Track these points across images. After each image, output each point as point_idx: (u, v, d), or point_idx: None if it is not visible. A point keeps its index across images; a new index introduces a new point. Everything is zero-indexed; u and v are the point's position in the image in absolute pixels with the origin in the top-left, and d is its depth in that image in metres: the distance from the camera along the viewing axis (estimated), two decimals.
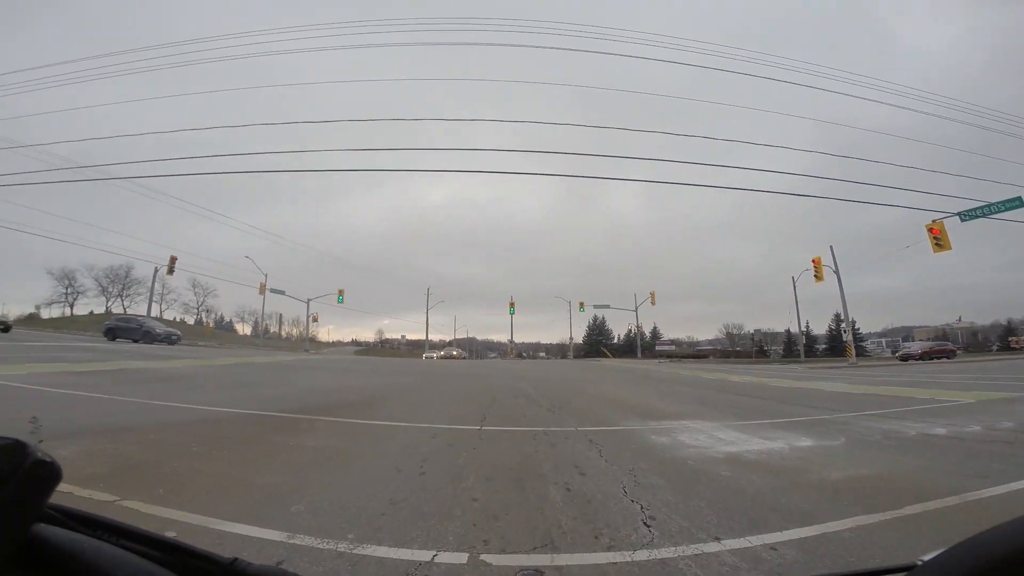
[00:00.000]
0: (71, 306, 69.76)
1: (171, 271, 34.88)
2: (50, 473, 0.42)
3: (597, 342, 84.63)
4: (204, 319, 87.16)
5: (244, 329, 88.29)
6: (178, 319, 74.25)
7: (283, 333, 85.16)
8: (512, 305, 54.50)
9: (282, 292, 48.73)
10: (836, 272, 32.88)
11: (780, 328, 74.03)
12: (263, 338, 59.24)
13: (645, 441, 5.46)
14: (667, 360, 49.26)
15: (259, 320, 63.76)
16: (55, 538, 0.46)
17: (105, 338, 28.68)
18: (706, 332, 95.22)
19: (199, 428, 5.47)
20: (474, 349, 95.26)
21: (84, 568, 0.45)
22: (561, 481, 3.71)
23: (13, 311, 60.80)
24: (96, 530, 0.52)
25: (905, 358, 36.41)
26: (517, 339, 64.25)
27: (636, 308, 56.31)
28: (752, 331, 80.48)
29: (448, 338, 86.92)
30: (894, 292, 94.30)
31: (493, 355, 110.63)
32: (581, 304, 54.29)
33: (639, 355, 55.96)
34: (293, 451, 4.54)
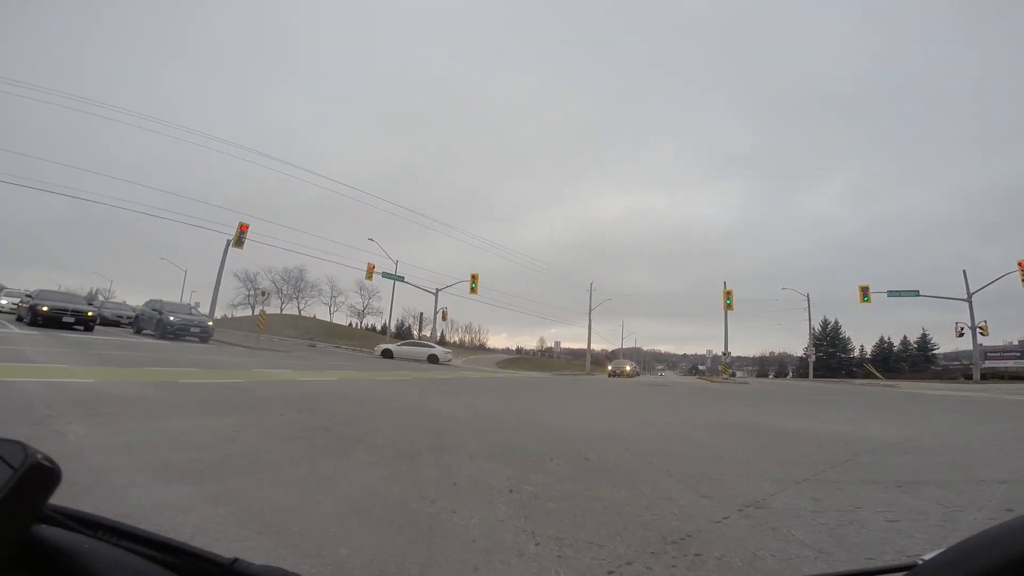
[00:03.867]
0: (252, 308, 71.40)
1: (239, 243, 25.03)
2: (50, 474, 0.41)
3: (829, 356, 57.80)
4: (376, 324, 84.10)
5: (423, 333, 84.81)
6: (316, 315, 70.78)
7: (454, 337, 78.27)
8: (729, 295, 34.43)
9: (401, 278, 37.50)
10: None
11: None
12: (391, 337, 50.42)
13: None
14: None
15: (384, 315, 55.99)
16: (55, 539, 0.45)
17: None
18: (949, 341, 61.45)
19: None
20: (641, 360, 76.17)
21: (84, 569, 0.43)
22: None
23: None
24: (96, 531, 0.50)
25: None
26: (684, 350, 43.27)
27: (970, 297, 31.25)
28: None
29: (613, 347, 69.04)
30: None
31: (660, 367, 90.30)
32: (863, 290, 31.42)
33: (977, 377, 30.79)
34: None
